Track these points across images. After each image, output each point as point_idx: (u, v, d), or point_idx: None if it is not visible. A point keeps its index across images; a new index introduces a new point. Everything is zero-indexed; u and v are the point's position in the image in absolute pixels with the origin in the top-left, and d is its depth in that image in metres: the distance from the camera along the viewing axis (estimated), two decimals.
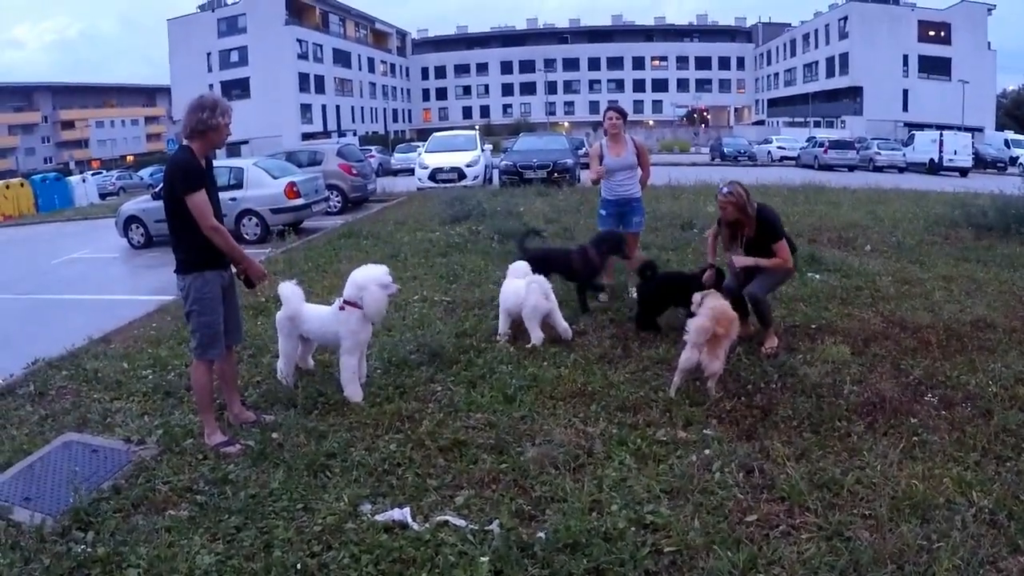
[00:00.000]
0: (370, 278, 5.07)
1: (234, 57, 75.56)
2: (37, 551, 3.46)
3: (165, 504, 3.86)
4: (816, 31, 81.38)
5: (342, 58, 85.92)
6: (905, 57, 71.14)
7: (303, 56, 77.77)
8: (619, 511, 3.55)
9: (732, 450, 4.21)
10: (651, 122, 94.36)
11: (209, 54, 76.81)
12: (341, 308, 5.14)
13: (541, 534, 3.37)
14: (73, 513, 3.77)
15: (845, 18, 74.16)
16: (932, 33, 71.83)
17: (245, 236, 14.30)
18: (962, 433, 4.40)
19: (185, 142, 4.50)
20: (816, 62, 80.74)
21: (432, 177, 21.98)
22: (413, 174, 24.15)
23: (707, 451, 4.21)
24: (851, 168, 36.19)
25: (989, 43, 72.74)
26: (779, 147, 46.14)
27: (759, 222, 6.00)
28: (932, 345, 6.03)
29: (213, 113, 4.42)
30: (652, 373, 5.53)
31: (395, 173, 37.70)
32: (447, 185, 20.66)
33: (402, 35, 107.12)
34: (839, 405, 4.83)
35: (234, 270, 4.78)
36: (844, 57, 73.73)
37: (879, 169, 36.23)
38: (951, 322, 6.69)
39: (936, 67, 70.23)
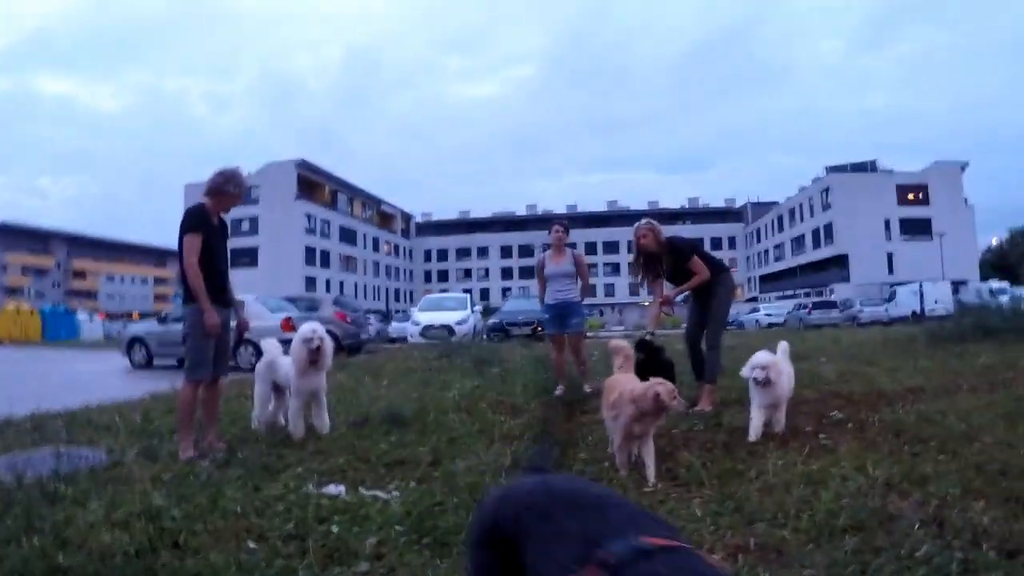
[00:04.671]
0: (298, 335, 5.77)
1: (245, 226, 77.54)
2: (15, 493, 3.88)
3: (134, 481, 4.24)
4: (801, 205, 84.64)
5: (348, 236, 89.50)
6: (887, 221, 73.39)
7: (311, 231, 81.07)
8: None
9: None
10: (646, 303, 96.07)
11: None
12: None
13: (455, 499, 3.73)
14: (53, 473, 4.28)
15: (827, 189, 77.24)
16: (911, 196, 74.34)
17: (241, 365, 14.64)
18: (871, 444, 4.70)
19: (203, 199, 5.44)
20: (803, 235, 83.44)
21: (423, 333, 22.72)
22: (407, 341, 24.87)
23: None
24: (835, 326, 36.89)
25: (966, 199, 74.95)
26: (766, 315, 47.85)
27: (671, 250, 6.74)
28: (860, 404, 6.36)
29: (227, 182, 5.45)
30: (590, 429, 5.81)
31: (392, 341, 38.51)
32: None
33: (407, 217, 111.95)
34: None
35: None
36: (828, 227, 76.32)
37: (863, 325, 36.94)
38: (884, 390, 7.04)
39: (917, 228, 71.99)
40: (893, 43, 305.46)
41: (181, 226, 5.25)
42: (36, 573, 2.72)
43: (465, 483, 4.06)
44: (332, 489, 3.96)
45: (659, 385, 4.19)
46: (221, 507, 3.59)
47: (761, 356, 5.30)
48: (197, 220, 5.25)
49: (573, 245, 8.91)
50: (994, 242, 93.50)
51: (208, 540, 3.13)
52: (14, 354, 22.52)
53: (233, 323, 5.80)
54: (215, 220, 5.39)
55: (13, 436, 5.97)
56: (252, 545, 3.06)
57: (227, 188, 5.42)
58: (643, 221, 6.97)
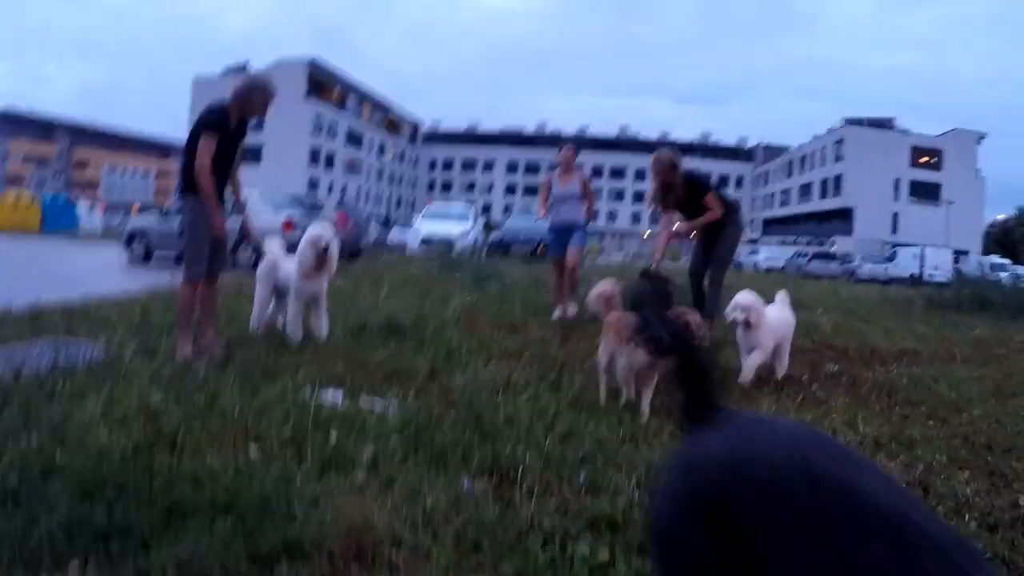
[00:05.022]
0: (306, 237, 5.73)
1: (251, 123, 76.28)
2: (12, 387, 3.84)
3: (133, 378, 4.18)
4: (813, 153, 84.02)
5: (354, 139, 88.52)
6: (897, 181, 73.24)
7: (317, 131, 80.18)
8: (524, 409, 3.92)
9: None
10: (647, 233, 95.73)
11: None
12: None
13: (453, 412, 3.78)
14: (51, 368, 4.23)
15: (840, 141, 76.59)
16: (924, 159, 74.12)
17: (240, 263, 14.41)
18: (862, 401, 4.76)
19: (228, 100, 5.27)
20: (811, 183, 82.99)
21: (423, 243, 22.72)
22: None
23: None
24: (833, 278, 36.80)
25: (978, 170, 74.83)
26: (765, 258, 48.05)
27: (686, 183, 6.72)
28: (854, 359, 6.43)
29: (255, 91, 5.32)
30: (586, 352, 5.76)
31: (391, 249, 38.45)
32: None
33: (415, 125, 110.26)
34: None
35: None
36: (837, 179, 75.94)
37: (861, 281, 36.69)
38: (879, 349, 7.10)
39: (926, 192, 72.13)
40: (928, 4, 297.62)
41: (199, 122, 5.12)
42: (34, 470, 2.68)
43: (463, 398, 4.10)
44: (330, 395, 3.98)
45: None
46: (219, 408, 3.60)
47: (743, 296, 5.10)
48: (215, 121, 5.13)
49: (580, 167, 8.83)
50: (1000, 217, 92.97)
51: (206, 441, 3.13)
52: (11, 245, 22.13)
53: (236, 225, 5.79)
54: (234, 124, 5.27)
55: (11, 328, 5.85)
56: (254, 452, 3.05)
57: (254, 97, 5.28)
58: (661, 151, 6.94)
